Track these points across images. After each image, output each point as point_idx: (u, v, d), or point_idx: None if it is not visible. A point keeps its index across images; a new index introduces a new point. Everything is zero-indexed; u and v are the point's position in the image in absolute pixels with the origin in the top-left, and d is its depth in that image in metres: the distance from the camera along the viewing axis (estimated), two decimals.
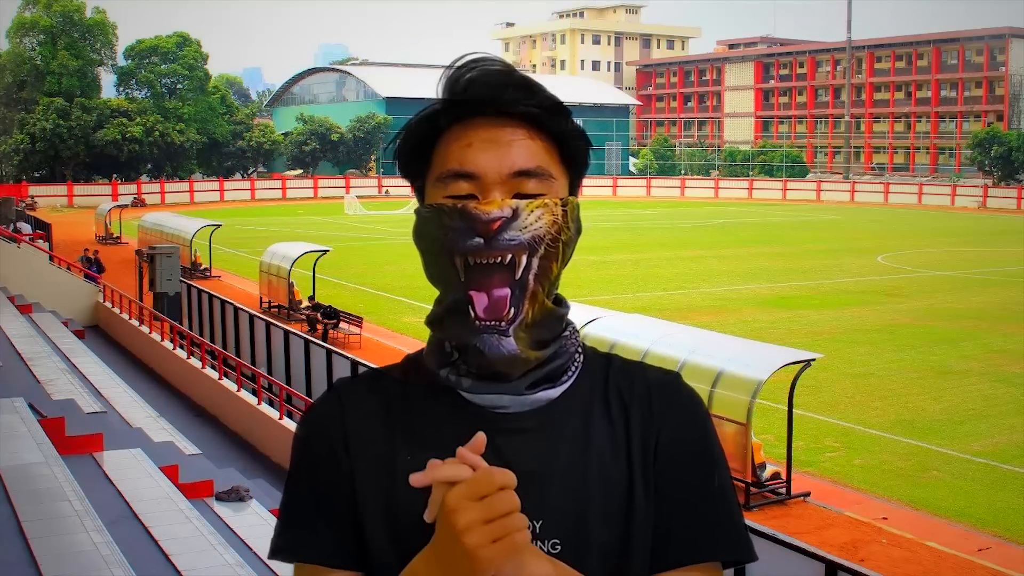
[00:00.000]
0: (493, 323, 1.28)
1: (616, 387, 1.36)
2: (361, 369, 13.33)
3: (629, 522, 1.30)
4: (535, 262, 1.28)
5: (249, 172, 75.87)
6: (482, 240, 1.26)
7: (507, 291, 1.28)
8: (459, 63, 1.34)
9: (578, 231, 1.34)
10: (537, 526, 1.26)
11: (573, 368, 1.36)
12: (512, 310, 1.28)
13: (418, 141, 1.34)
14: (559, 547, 1.26)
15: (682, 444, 1.34)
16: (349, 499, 1.32)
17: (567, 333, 1.37)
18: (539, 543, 1.25)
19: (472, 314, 1.28)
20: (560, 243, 1.30)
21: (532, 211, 1.27)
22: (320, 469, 1.35)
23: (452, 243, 1.28)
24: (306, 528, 1.34)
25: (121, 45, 70.32)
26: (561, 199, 1.30)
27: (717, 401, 12.16)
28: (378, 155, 76.61)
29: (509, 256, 1.27)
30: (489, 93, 1.30)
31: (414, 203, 1.39)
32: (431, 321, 1.36)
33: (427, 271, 1.34)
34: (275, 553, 1.36)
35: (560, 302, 1.37)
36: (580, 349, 1.39)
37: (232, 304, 20.10)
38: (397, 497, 1.29)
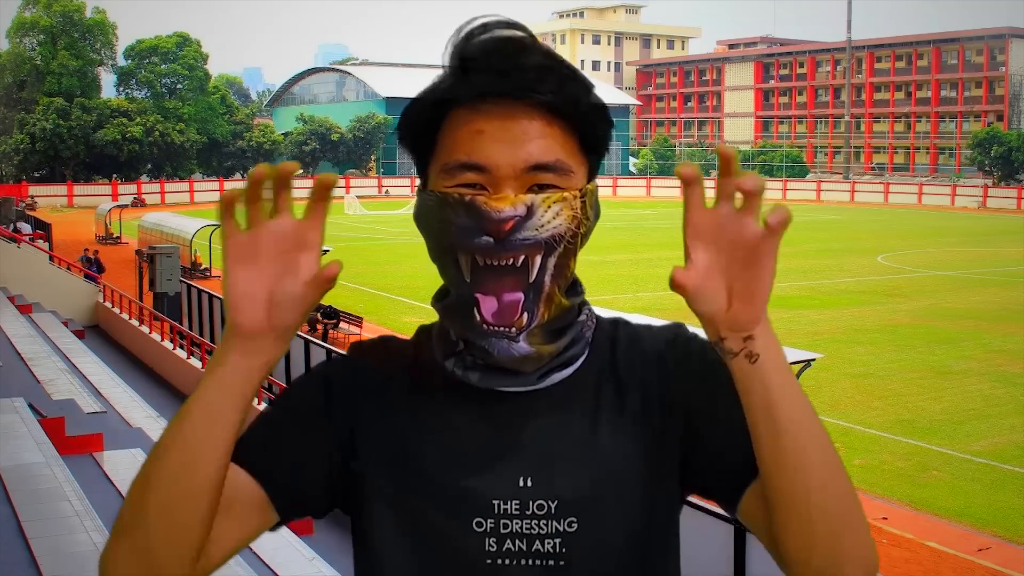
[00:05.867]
0: (503, 328, 1.18)
1: (625, 354, 1.28)
2: None
3: (649, 492, 1.24)
4: (551, 261, 1.17)
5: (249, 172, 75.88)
6: (492, 240, 1.14)
7: (520, 295, 1.17)
8: (468, 29, 1.19)
9: (597, 216, 1.23)
10: (552, 506, 1.20)
11: (584, 342, 1.27)
12: (525, 315, 1.18)
13: (423, 121, 1.21)
14: (575, 525, 1.21)
15: (705, 388, 1.23)
16: (319, 453, 1.24)
17: (583, 317, 1.28)
18: (555, 522, 1.20)
19: (478, 317, 1.18)
20: (579, 236, 1.19)
21: (549, 207, 1.15)
22: (306, 411, 1.27)
23: (457, 240, 1.16)
24: (262, 444, 1.23)
25: (121, 45, 70.52)
26: (580, 190, 1.18)
27: None
28: (378, 155, 76.64)
29: (522, 257, 1.16)
30: (502, 75, 1.15)
31: (413, 203, 1.31)
32: (438, 308, 1.27)
33: (431, 255, 1.24)
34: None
35: (574, 287, 1.27)
36: (593, 323, 1.29)
37: None
38: (407, 480, 1.23)
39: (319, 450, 1.25)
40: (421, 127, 1.21)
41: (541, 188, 1.16)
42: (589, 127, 1.20)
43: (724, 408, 1.17)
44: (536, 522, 1.20)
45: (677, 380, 1.25)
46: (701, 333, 1.19)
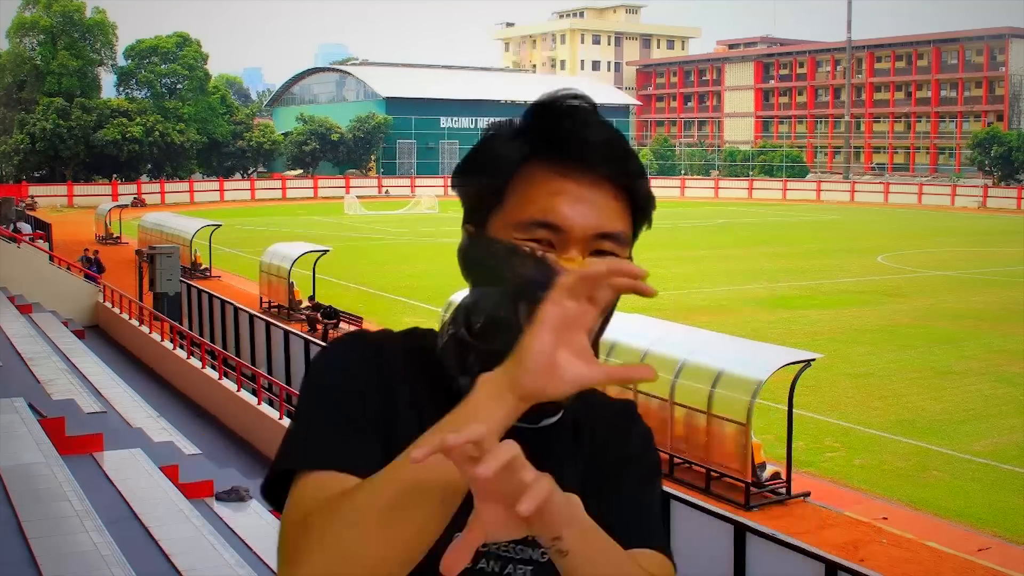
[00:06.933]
0: None
1: (595, 406, 1.37)
2: None
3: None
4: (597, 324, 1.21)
5: (249, 172, 75.89)
6: None
7: None
8: (555, 95, 1.27)
9: None
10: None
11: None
12: None
13: (496, 166, 1.26)
14: (547, 557, 1.21)
15: (638, 458, 1.37)
16: (378, 416, 1.25)
17: None
18: (530, 550, 1.25)
19: None
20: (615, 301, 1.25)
21: None
22: (357, 379, 1.26)
23: (523, 290, 1.19)
24: (332, 434, 1.21)
25: (121, 45, 70.47)
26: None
27: (717, 401, 12.17)
28: (378, 155, 76.62)
29: None
30: (585, 144, 1.23)
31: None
32: (477, 330, 1.26)
33: (475, 285, 1.27)
34: (291, 460, 1.20)
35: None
36: None
37: (232, 304, 20.10)
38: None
39: (376, 430, 1.25)
40: (493, 172, 1.27)
41: (600, 254, 1.24)
42: (642, 205, 1.29)
43: (637, 488, 1.27)
44: (512, 546, 1.25)
45: (621, 444, 1.36)
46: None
